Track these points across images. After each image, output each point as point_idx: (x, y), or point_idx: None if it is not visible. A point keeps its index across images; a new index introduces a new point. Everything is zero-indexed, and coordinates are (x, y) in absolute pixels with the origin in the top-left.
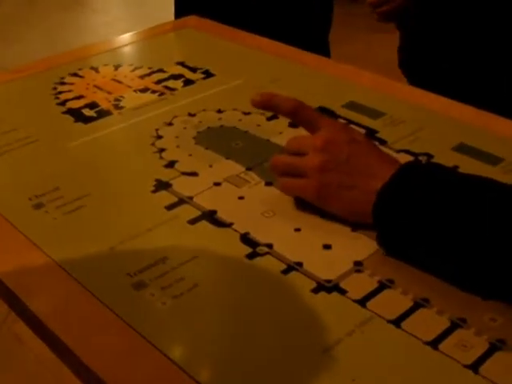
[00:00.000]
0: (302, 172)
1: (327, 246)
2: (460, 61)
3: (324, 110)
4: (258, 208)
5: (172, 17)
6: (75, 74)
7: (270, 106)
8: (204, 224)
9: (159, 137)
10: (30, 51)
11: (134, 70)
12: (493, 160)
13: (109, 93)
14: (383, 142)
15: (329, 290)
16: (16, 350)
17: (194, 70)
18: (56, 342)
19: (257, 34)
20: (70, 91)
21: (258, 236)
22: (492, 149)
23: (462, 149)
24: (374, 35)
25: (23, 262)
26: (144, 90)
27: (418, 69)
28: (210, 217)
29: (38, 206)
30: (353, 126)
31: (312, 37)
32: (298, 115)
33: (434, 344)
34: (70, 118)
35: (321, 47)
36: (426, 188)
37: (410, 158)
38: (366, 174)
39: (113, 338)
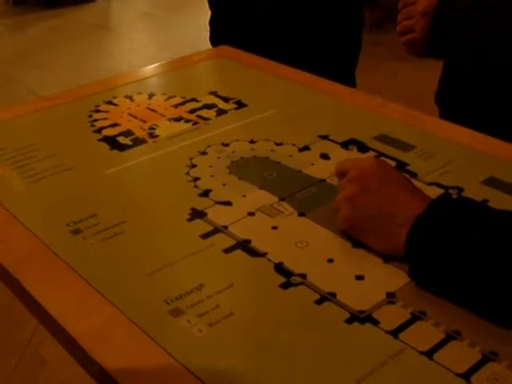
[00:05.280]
0: (338, 205)
1: (360, 277)
2: (499, 100)
3: (355, 142)
4: (292, 238)
5: (197, 42)
6: (110, 102)
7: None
8: (239, 253)
9: (193, 166)
10: (56, 76)
11: (167, 99)
12: None
13: (143, 121)
14: (414, 175)
15: (362, 321)
16: (40, 372)
17: (226, 99)
18: (94, 365)
19: (287, 65)
20: (105, 119)
21: (292, 266)
22: None
23: (491, 182)
24: (398, 64)
25: (62, 286)
26: (178, 119)
27: (455, 104)
28: (245, 246)
29: (76, 232)
30: (384, 158)
31: (340, 69)
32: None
33: (466, 376)
34: (105, 146)
35: (348, 79)
36: (458, 224)
37: (441, 191)
38: (396, 208)
39: (150, 363)
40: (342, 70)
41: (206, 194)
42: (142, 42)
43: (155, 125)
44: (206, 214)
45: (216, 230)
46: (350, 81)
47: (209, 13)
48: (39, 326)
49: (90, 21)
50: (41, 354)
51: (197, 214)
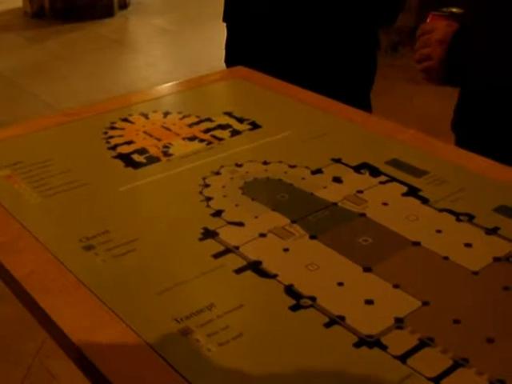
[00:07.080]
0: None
1: (369, 302)
2: None
3: (367, 167)
4: (303, 261)
5: (213, 60)
6: (126, 120)
7: None
8: (249, 274)
9: (206, 185)
10: (72, 89)
11: (182, 118)
12: None
13: (158, 139)
14: (425, 201)
15: (370, 345)
16: None
17: (241, 120)
18: (103, 381)
19: (303, 87)
20: (120, 136)
21: (302, 288)
22: None
23: (503, 210)
24: (413, 87)
25: (73, 302)
26: (192, 139)
27: (471, 132)
28: (256, 267)
29: (88, 248)
30: (395, 183)
31: (355, 91)
32: None
33: None
34: (120, 163)
35: (363, 101)
36: None
37: (452, 218)
38: None
39: (158, 380)
40: (356, 92)
41: (218, 213)
42: (158, 58)
43: (169, 143)
44: (217, 234)
45: (227, 251)
46: (365, 103)
47: (225, 30)
48: (47, 338)
49: (108, 36)
50: (48, 366)
51: (209, 234)
